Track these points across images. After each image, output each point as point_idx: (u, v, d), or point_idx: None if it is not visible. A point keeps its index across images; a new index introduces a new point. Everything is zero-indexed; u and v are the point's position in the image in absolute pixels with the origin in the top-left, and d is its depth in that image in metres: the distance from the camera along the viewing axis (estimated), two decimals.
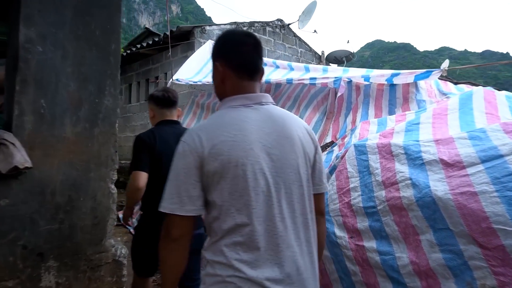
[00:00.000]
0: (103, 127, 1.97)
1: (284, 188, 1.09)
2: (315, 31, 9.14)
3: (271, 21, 8.79)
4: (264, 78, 4.61)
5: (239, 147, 1.05)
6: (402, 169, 1.82)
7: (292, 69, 4.57)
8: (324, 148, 3.57)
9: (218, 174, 1.04)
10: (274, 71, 4.78)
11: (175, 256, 1.11)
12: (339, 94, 3.79)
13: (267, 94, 1.20)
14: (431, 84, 3.78)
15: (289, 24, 9.13)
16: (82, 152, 1.87)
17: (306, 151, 1.16)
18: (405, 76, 3.54)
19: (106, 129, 1.98)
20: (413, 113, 2.71)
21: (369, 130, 2.84)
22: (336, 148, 3.21)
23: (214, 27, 7.41)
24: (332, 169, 2.41)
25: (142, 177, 1.98)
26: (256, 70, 1.17)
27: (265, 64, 5.08)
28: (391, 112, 3.59)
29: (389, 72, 3.61)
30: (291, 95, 4.48)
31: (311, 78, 3.95)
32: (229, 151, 1.04)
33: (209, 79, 5.20)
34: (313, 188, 1.20)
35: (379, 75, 3.64)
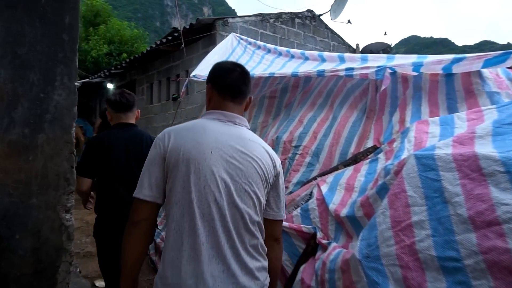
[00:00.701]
0: (52, 132, 1.37)
1: (235, 202, 1.19)
2: (348, 21, 8.34)
3: (300, 12, 8.08)
4: (291, 70, 3.97)
5: (200, 149, 1.20)
6: (506, 198, 1.11)
7: (324, 60, 3.86)
8: (364, 154, 2.85)
9: (176, 167, 1.19)
10: (302, 63, 4.10)
11: (133, 240, 1.22)
12: (382, 87, 3.06)
13: (244, 118, 1.36)
14: (498, 73, 2.97)
15: (320, 15, 8.39)
16: (18, 169, 1.30)
17: (264, 173, 1.26)
18: (470, 62, 2.75)
19: (56, 136, 1.38)
20: (494, 109, 1.96)
21: (429, 132, 2.12)
22: (382, 156, 2.49)
23: (238, 19, 6.80)
24: (381, 189, 1.72)
25: (84, 182, 2.18)
26: (238, 93, 1.35)
27: (293, 57, 4.41)
28: (451, 108, 2.82)
29: (449, 57, 2.83)
30: (323, 90, 3.78)
31: (347, 69, 3.24)
32: (189, 150, 1.19)
33: None
34: (268, 213, 1.32)
35: (435, 62, 2.88)
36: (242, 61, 5.04)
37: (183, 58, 7.09)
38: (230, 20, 6.59)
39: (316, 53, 4.07)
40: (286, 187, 2.98)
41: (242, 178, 1.20)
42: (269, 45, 4.98)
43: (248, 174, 1.21)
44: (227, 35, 5.96)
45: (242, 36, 5.67)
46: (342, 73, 3.27)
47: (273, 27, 7.38)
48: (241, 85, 1.36)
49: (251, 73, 4.40)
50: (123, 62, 8.56)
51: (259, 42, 5.20)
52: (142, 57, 7.86)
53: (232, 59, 5.35)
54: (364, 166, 2.52)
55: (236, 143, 1.23)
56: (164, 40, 6.96)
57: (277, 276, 1.41)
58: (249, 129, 1.36)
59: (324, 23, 8.58)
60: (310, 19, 8.20)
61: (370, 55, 3.35)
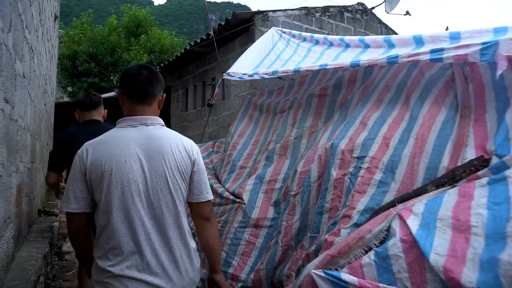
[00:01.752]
0: None
1: (153, 195, 1.38)
2: (407, 12, 7.30)
3: (350, 5, 7.17)
4: (349, 60, 2.97)
5: (115, 160, 1.36)
6: None
7: (391, 45, 2.97)
8: (467, 170, 1.91)
9: (97, 181, 1.36)
10: (362, 52, 3.23)
11: (78, 244, 1.50)
12: (498, 72, 2.08)
13: (156, 117, 1.50)
14: None
15: (372, 8, 7.43)
16: None
17: (179, 165, 1.43)
18: None
19: None
20: None
21: None
22: (510, 174, 1.56)
23: (279, 13, 6.03)
24: None
25: (50, 176, 2.53)
26: (145, 96, 1.47)
27: (348, 46, 3.54)
28: None
29: None
30: (391, 83, 2.88)
31: (432, 51, 2.33)
32: (106, 162, 1.35)
33: (271, 70, 3.79)
34: (193, 198, 1.50)
35: None
36: (285, 56, 4.22)
37: (219, 59, 6.42)
38: (271, 14, 5.84)
39: (380, 38, 3.17)
40: (349, 216, 2.10)
41: (157, 177, 1.39)
42: (317, 35, 4.13)
43: (161, 173, 1.39)
44: (267, 31, 5.19)
45: (284, 29, 4.87)
46: (426, 57, 2.36)
47: (319, 22, 6.53)
48: (147, 87, 1.46)
49: (296, 67, 3.58)
50: (157, 67, 8.08)
51: (305, 34, 4.36)
52: (177, 61, 7.30)
53: (273, 54, 4.57)
54: (478, 190, 1.59)
55: (148, 144, 1.40)
56: (198, 42, 6.34)
57: (217, 252, 1.56)
58: (162, 125, 1.50)
59: (377, 17, 7.59)
60: (362, 12, 7.26)
61: (463, 31, 2.40)
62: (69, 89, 15.19)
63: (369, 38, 3.38)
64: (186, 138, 1.54)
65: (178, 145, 1.45)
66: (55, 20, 6.06)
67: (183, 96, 7.72)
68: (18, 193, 2.16)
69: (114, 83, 13.88)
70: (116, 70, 14.36)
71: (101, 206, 1.37)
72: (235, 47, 6.03)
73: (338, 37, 3.76)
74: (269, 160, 3.29)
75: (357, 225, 2.00)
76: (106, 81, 13.82)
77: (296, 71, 3.36)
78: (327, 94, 3.39)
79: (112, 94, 10.84)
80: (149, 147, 1.40)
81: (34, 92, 3.02)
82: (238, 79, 4.40)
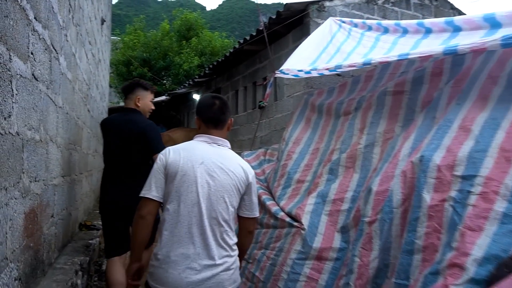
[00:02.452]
0: None
1: (212, 201, 1.65)
2: None
3: None
4: (439, 47, 2.23)
5: (189, 164, 1.65)
6: None
7: (497, 25, 2.27)
8: None
9: (172, 176, 1.65)
10: (452, 37, 2.55)
11: (140, 229, 1.67)
12: None
13: (225, 140, 1.79)
14: None
15: None
16: None
17: (236, 184, 1.70)
18: None
19: None
20: None
21: None
22: None
23: (337, 2, 5.37)
24: None
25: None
26: (218, 122, 1.77)
27: (429, 31, 2.88)
28: None
29: None
30: (498, 73, 2.15)
31: None
32: (182, 164, 1.65)
33: (332, 65, 3.19)
34: (243, 212, 1.80)
35: None
36: (346, 48, 3.59)
37: (271, 57, 5.90)
38: (327, 3, 5.21)
39: (478, 17, 2.46)
40: (460, 266, 1.45)
41: (219, 186, 1.66)
42: (386, 22, 3.46)
43: (223, 184, 1.66)
44: (323, 23, 4.58)
45: (344, 19, 4.23)
46: None
47: (382, 10, 5.78)
48: (220, 116, 1.77)
49: (366, 59, 2.91)
50: (207, 68, 7.76)
51: (370, 22, 3.69)
52: (226, 62, 6.90)
53: (332, 47, 3.95)
54: None
55: (216, 160, 1.69)
56: (248, 39, 5.88)
57: (243, 254, 1.90)
58: (229, 148, 1.80)
59: (449, 2, 6.66)
60: None
61: None
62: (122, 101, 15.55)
63: (459, 20, 2.67)
64: (245, 162, 1.83)
65: (239, 166, 1.75)
66: (102, 23, 5.91)
67: (233, 98, 7.31)
68: (30, 220, 1.78)
69: (167, 87, 13.93)
70: (168, 74, 14.41)
71: (170, 198, 1.66)
72: (287, 43, 5.47)
73: (414, 21, 3.07)
74: (333, 173, 2.70)
75: (475, 281, 1.36)
76: (159, 85, 13.89)
77: (367, 64, 2.73)
78: (404, 91, 2.72)
79: (163, 98, 10.78)
80: (217, 162, 1.68)
81: (65, 98, 2.68)
82: (293, 77, 3.84)
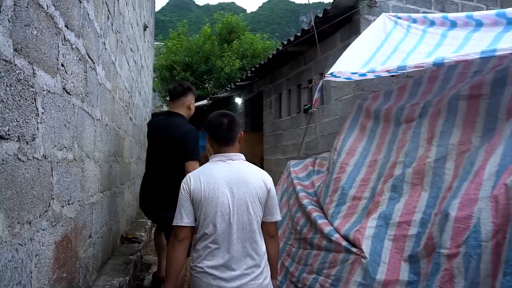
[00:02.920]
0: None
1: (237, 214, 1.76)
2: None
3: None
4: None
5: (211, 187, 1.76)
6: None
7: None
8: None
9: (198, 201, 1.77)
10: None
11: (177, 252, 1.80)
12: None
13: (238, 153, 1.90)
14: None
15: None
16: None
17: (258, 193, 1.80)
18: None
19: None
20: None
21: None
22: None
23: None
24: None
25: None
26: (229, 140, 1.88)
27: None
28: None
29: None
30: None
31: None
32: (204, 188, 1.76)
33: (389, 66, 2.85)
34: (265, 217, 1.87)
35: None
36: (406, 48, 3.17)
37: (316, 58, 5.58)
38: None
39: None
40: None
41: (241, 200, 1.76)
42: (453, 15, 3.04)
43: (244, 196, 1.77)
44: (375, 20, 4.20)
45: (400, 14, 3.83)
46: None
47: (440, 3, 5.27)
48: (229, 133, 1.88)
49: (435, 59, 2.47)
50: (249, 72, 7.55)
51: (432, 16, 3.28)
52: (268, 64, 6.65)
53: (389, 47, 3.55)
54: None
55: (234, 175, 1.79)
56: (292, 40, 5.59)
57: (276, 262, 2.00)
58: (244, 160, 1.90)
59: None
60: None
61: None
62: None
63: None
64: (263, 171, 1.93)
65: (257, 175, 1.84)
66: (144, 30, 5.87)
67: (276, 102, 7.04)
68: (63, 248, 1.61)
69: (209, 91, 13.94)
70: (210, 78, 14.42)
71: (200, 221, 1.77)
72: (335, 43, 5.13)
73: (492, 12, 2.65)
74: (397, 191, 2.35)
75: None
76: (201, 89, 13.93)
77: (438, 64, 2.36)
78: (482, 95, 2.32)
79: (205, 102, 10.74)
80: (235, 177, 1.79)
81: (103, 109, 2.55)
82: (345, 79, 3.51)
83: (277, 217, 1.91)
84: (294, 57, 6.17)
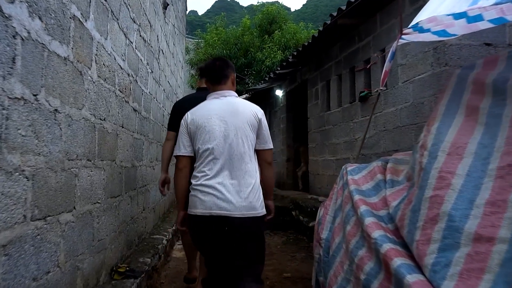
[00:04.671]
0: None
1: (229, 138, 1.98)
2: None
3: None
4: None
5: (204, 118, 2.04)
6: None
7: None
8: None
9: (193, 132, 2.05)
10: None
11: (179, 178, 2.11)
12: None
13: (231, 91, 2.18)
14: None
15: None
16: None
17: (248, 120, 2.03)
18: None
19: None
20: None
21: None
22: None
23: None
24: None
25: (168, 134, 2.87)
26: (221, 79, 2.17)
27: None
28: None
29: None
30: None
31: None
32: (198, 120, 2.05)
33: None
34: (259, 146, 2.10)
35: None
36: None
37: (376, 31, 4.32)
38: None
39: None
40: None
41: (233, 128, 2.00)
42: None
43: (236, 125, 2.00)
44: None
45: None
46: None
47: None
48: (221, 73, 2.18)
49: None
50: (290, 57, 6.39)
51: None
52: (314, 45, 5.46)
53: None
54: None
55: (226, 108, 2.05)
56: (343, 9, 4.37)
57: (271, 187, 2.29)
58: (236, 96, 2.18)
59: None
60: None
61: None
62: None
63: None
64: (254, 104, 2.17)
65: (248, 109, 2.08)
66: (164, 8, 4.92)
67: (323, 91, 5.83)
68: None
69: (249, 85, 12.93)
70: (251, 72, 13.38)
71: (197, 148, 2.04)
72: (403, 4, 3.84)
73: None
74: None
75: None
76: (241, 84, 12.96)
77: None
78: None
79: (244, 96, 9.73)
80: (227, 109, 2.06)
81: (43, 84, 1.56)
82: (435, 36, 2.28)
83: (270, 145, 2.13)
84: (345, 33, 4.94)
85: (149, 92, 4.06)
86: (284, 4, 14.08)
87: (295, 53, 6.06)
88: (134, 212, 3.39)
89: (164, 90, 5.27)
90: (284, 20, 14.47)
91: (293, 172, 7.65)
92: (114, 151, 2.72)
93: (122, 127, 2.93)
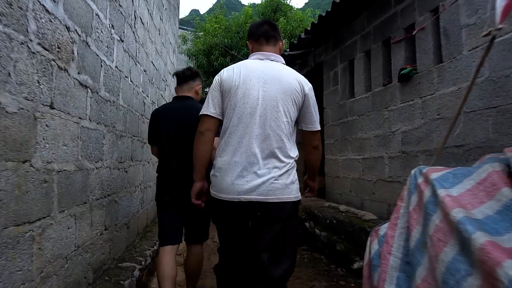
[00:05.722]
0: None
1: (265, 109, 1.68)
2: None
3: None
4: None
5: (241, 79, 1.72)
6: None
7: None
8: None
9: (227, 92, 1.74)
10: None
11: (201, 143, 1.79)
12: None
13: (278, 55, 1.85)
14: None
15: None
16: None
17: (292, 93, 1.72)
18: None
19: None
20: None
21: None
22: None
23: None
24: None
25: (152, 148, 2.67)
26: (268, 37, 1.86)
27: None
28: None
29: None
30: None
31: None
32: (235, 79, 1.73)
33: None
34: (306, 126, 1.82)
35: None
36: None
37: None
38: None
39: None
40: None
41: (272, 96, 1.69)
42: None
43: (276, 93, 1.69)
44: None
45: None
46: None
47: None
48: (270, 31, 1.87)
49: None
50: (301, 34, 5.24)
51: None
52: (332, 17, 4.34)
53: None
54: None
55: (269, 72, 1.73)
56: None
57: (316, 169, 2.03)
58: (283, 63, 1.84)
59: None
60: None
61: None
62: (207, 90, 13.86)
63: None
64: (301, 75, 1.83)
65: (293, 78, 1.76)
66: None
67: (344, 74, 4.70)
68: None
69: None
70: None
71: (227, 112, 1.73)
72: None
73: None
74: None
75: None
76: None
77: None
78: None
79: None
80: (269, 73, 1.73)
81: None
82: None
83: (317, 125, 1.84)
84: None
85: (115, 67, 2.95)
86: (286, 2, 12.87)
87: (308, 29, 4.92)
88: (84, 237, 2.29)
89: (145, 71, 4.17)
90: (289, 7, 13.35)
91: (303, 173, 6.52)
92: (28, 146, 1.61)
93: (51, 108, 1.83)
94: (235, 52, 12.20)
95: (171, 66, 6.50)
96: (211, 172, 1.76)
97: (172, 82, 6.57)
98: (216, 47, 12.09)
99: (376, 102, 3.91)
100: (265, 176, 1.62)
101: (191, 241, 2.53)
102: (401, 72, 3.36)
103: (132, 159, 3.55)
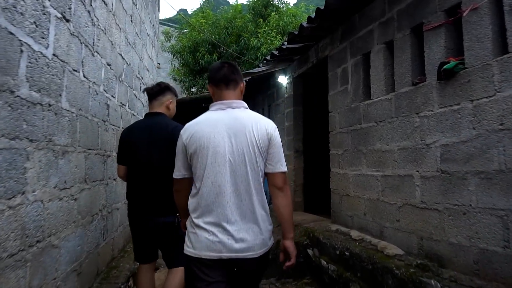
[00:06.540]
0: None
1: (235, 166, 1.65)
2: None
3: None
4: None
5: (206, 136, 1.66)
6: None
7: None
8: None
9: (192, 152, 1.69)
10: None
11: (179, 199, 1.87)
12: None
13: (240, 100, 1.79)
14: None
15: None
16: None
17: (257, 141, 1.68)
18: None
19: None
20: None
21: None
22: None
23: None
24: None
25: (119, 169, 2.49)
26: (228, 82, 1.76)
27: None
28: None
29: None
30: None
31: None
32: (199, 139, 1.67)
33: None
34: (268, 168, 1.74)
35: None
36: None
37: None
38: None
39: None
40: None
41: (239, 150, 1.65)
42: None
43: (243, 146, 1.66)
44: None
45: None
46: None
47: None
48: (230, 75, 1.77)
49: None
50: (304, 23, 4.41)
51: None
52: (342, 3, 3.52)
53: None
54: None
55: (232, 125, 1.68)
56: None
57: (288, 221, 1.79)
58: (246, 108, 1.79)
59: None
60: None
61: None
62: (193, 89, 12.95)
63: None
64: (265, 118, 1.79)
65: (257, 124, 1.71)
66: None
67: (356, 71, 3.87)
68: None
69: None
70: (243, 62, 11.36)
71: (196, 173, 1.70)
72: None
73: None
74: None
75: None
76: None
77: None
78: None
79: None
80: (233, 126, 1.68)
81: None
82: None
83: (282, 167, 1.75)
84: None
85: (54, 55, 2.08)
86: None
87: (313, 16, 4.09)
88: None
89: (109, 64, 3.28)
90: (281, 2, 12.55)
91: (303, 186, 5.67)
92: None
93: None
94: (223, 50, 11.33)
95: (149, 62, 5.61)
96: (187, 228, 1.76)
97: (150, 80, 5.68)
98: (202, 43, 11.20)
99: (402, 106, 3.10)
100: (242, 234, 1.64)
101: (170, 265, 2.41)
102: (443, 68, 2.56)
103: (86, 181, 2.66)
